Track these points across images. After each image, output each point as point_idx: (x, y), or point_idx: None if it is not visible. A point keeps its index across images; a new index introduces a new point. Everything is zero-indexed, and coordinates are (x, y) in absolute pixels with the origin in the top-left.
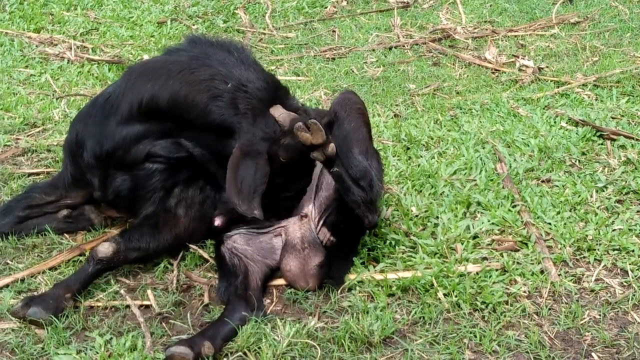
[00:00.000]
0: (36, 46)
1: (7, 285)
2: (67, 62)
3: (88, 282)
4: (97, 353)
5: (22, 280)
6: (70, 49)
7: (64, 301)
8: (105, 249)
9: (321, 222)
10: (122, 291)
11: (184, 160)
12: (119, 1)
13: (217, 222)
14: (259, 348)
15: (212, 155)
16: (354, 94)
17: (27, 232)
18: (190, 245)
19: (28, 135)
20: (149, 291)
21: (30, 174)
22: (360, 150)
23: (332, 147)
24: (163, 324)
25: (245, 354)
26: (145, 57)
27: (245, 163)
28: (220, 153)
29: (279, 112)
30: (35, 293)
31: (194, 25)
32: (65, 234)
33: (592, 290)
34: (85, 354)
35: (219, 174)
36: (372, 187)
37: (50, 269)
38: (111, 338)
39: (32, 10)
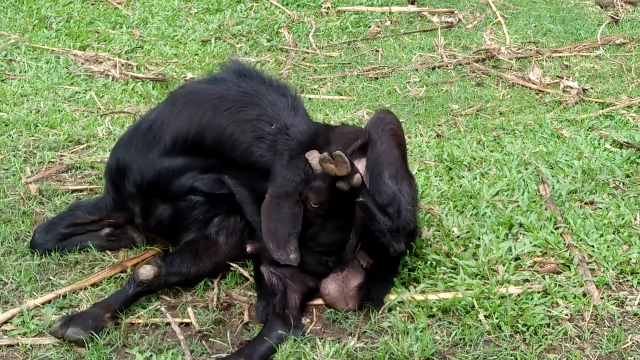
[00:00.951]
0: (82, 64)
1: (49, 301)
2: (112, 80)
3: (128, 302)
4: None
5: (64, 296)
6: (115, 66)
7: (103, 320)
8: (147, 272)
9: (359, 245)
10: (162, 308)
11: (225, 196)
12: (164, 19)
13: (249, 248)
14: None
15: (252, 195)
16: (388, 113)
17: (70, 249)
18: (231, 264)
19: (72, 152)
20: (189, 309)
21: (74, 191)
22: (390, 174)
23: (357, 177)
24: (203, 341)
25: None
26: (189, 75)
27: (277, 206)
28: (259, 194)
29: (312, 156)
30: (76, 310)
31: (237, 44)
32: (107, 251)
33: (635, 314)
34: None
35: (254, 219)
36: (399, 213)
37: (92, 285)
38: (151, 355)
39: (78, 28)
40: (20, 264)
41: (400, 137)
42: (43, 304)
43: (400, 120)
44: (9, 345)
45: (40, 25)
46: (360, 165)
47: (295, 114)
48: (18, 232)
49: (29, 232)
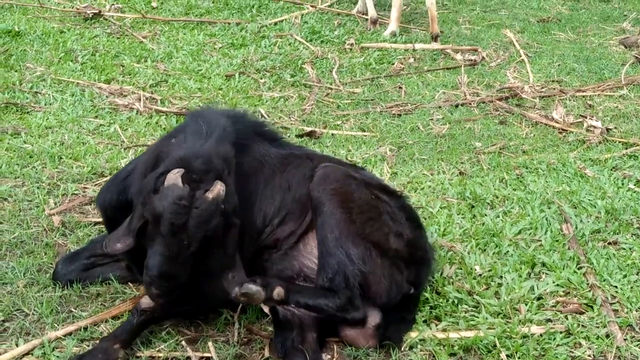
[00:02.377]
0: (106, 97)
1: (70, 333)
2: (136, 113)
3: (135, 333)
4: None
5: (85, 328)
6: (140, 100)
7: (113, 351)
8: (149, 300)
9: None
10: (183, 342)
11: None
12: (189, 54)
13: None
14: None
15: None
16: (334, 170)
17: (92, 280)
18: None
19: (95, 185)
20: (209, 343)
21: (96, 223)
22: (334, 237)
23: (277, 293)
24: None
25: None
26: None
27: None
28: None
29: (173, 173)
30: (90, 345)
31: (261, 79)
32: (129, 283)
33: None
34: None
35: None
36: (347, 281)
37: (113, 317)
38: None
39: (103, 61)
40: (42, 296)
41: (344, 195)
42: (64, 335)
43: (422, 157)
44: None
45: (66, 58)
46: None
47: (204, 142)
48: (40, 264)
49: (51, 263)
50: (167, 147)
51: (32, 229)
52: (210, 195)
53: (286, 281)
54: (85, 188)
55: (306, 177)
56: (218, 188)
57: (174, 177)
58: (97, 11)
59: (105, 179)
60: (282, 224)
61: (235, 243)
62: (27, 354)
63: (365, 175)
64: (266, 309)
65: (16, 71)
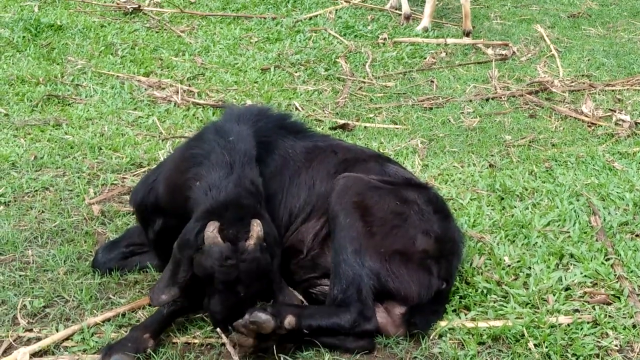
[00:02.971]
0: (145, 89)
1: (108, 319)
2: (174, 106)
3: (165, 322)
4: None
5: (123, 315)
6: (177, 92)
7: (143, 341)
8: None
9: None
10: (218, 329)
11: None
12: (225, 48)
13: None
14: None
15: None
16: (356, 180)
17: (130, 269)
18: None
19: (134, 175)
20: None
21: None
22: (353, 250)
23: (289, 322)
24: None
25: None
26: (249, 102)
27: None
28: None
29: (210, 228)
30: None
31: (296, 72)
32: None
33: None
34: None
35: None
36: (359, 293)
37: (149, 304)
38: None
39: (142, 55)
40: (82, 283)
41: (365, 208)
42: (103, 321)
43: (453, 150)
44: None
45: (106, 51)
46: None
47: (228, 173)
48: (80, 252)
49: (90, 251)
50: (191, 173)
51: (72, 217)
52: (252, 242)
53: (297, 307)
54: (124, 178)
55: (330, 173)
56: (256, 230)
57: (212, 235)
58: (136, 6)
59: (143, 169)
60: (307, 220)
61: (279, 270)
62: (67, 339)
63: (390, 170)
64: (300, 297)
65: (58, 64)
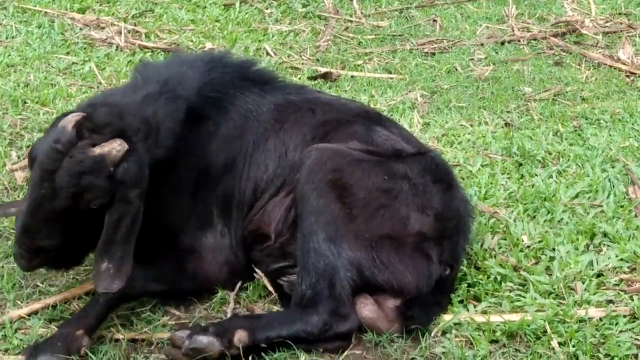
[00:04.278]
0: (80, 29)
1: (36, 312)
2: (116, 49)
3: (102, 314)
4: None
5: (54, 306)
6: (120, 33)
7: (76, 339)
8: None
9: None
10: (170, 323)
11: None
12: None
13: None
14: None
15: None
16: (332, 153)
17: None
18: (257, 272)
19: None
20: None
21: None
22: (326, 237)
23: (239, 339)
24: None
25: None
26: (209, 45)
27: None
28: None
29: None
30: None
31: (266, 9)
32: None
33: None
34: None
35: None
36: (332, 289)
37: (86, 294)
38: None
39: None
40: (2, 267)
41: (343, 187)
42: (29, 314)
43: (460, 105)
44: None
45: None
46: None
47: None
48: (1, 229)
49: (13, 229)
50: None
51: None
52: (97, 150)
53: (249, 318)
54: None
55: (306, 139)
56: (112, 146)
57: (68, 119)
58: None
59: None
60: (276, 195)
61: (130, 229)
62: None
63: (379, 136)
64: (269, 286)
65: None
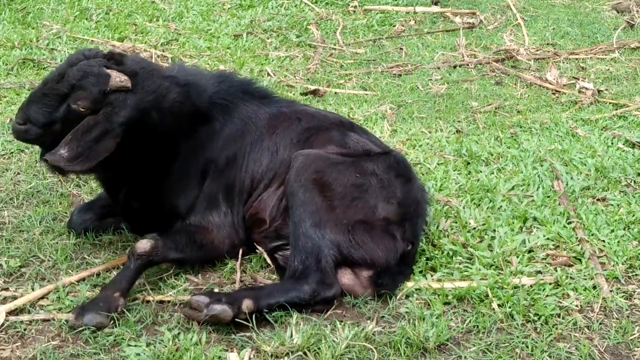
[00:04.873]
0: None
1: (83, 279)
2: None
3: (133, 278)
4: (166, 347)
5: (98, 274)
6: (151, 57)
7: (114, 299)
8: (144, 245)
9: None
10: (190, 288)
11: None
12: (199, 14)
13: None
14: (319, 349)
15: None
16: (313, 158)
17: (104, 229)
18: (258, 249)
19: None
20: (215, 290)
21: None
22: (312, 224)
23: (247, 306)
24: None
25: (305, 353)
26: (222, 67)
27: None
28: None
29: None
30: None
31: (268, 39)
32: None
33: None
34: (155, 347)
35: None
36: (318, 262)
37: (123, 264)
38: (179, 333)
39: (117, 20)
40: (57, 243)
41: (324, 184)
42: (78, 281)
43: (421, 116)
44: (44, 320)
45: (81, 16)
46: None
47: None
48: (56, 213)
49: (65, 212)
50: None
51: (47, 179)
52: (108, 70)
53: (253, 289)
54: None
55: (293, 142)
56: (120, 77)
57: (97, 49)
58: None
59: None
60: (269, 187)
61: (97, 141)
62: (42, 297)
63: (351, 140)
64: (268, 260)
65: (33, 28)
